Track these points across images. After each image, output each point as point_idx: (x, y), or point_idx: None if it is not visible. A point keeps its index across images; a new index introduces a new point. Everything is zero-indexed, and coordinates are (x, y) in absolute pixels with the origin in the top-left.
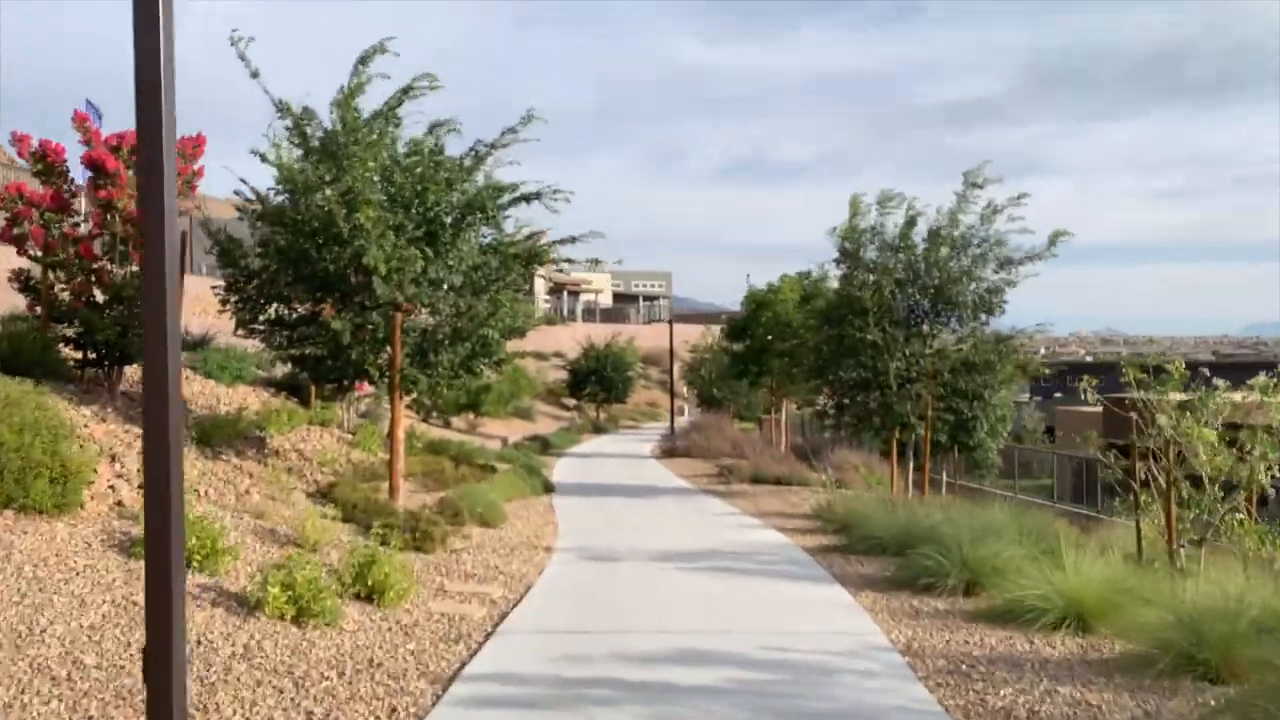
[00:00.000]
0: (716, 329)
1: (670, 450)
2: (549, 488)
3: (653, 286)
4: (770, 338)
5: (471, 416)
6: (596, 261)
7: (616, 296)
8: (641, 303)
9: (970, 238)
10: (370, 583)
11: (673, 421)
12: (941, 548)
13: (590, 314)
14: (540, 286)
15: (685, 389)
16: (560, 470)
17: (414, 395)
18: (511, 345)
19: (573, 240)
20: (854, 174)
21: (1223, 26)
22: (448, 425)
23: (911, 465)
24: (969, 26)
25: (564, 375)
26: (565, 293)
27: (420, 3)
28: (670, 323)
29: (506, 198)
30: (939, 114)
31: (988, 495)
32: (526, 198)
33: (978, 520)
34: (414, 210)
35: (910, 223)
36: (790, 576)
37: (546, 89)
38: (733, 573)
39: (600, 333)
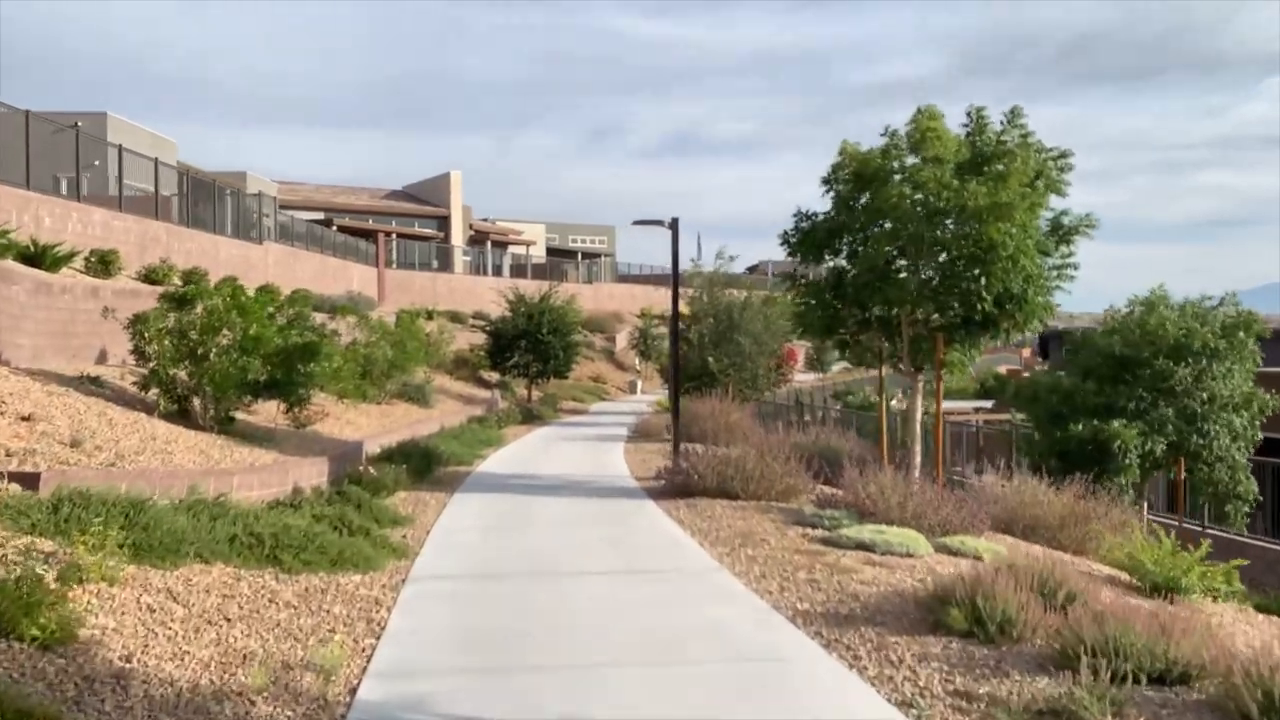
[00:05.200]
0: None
1: (684, 479)
2: None
3: (593, 242)
4: (898, 247)
5: (285, 408)
6: None
7: (551, 251)
8: (580, 260)
9: None
10: None
11: (676, 414)
12: None
13: (520, 270)
14: (458, 234)
15: (638, 360)
16: (418, 588)
17: None
18: (410, 298)
19: None
20: (789, 149)
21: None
22: (227, 425)
23: None
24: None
25: (483, 339)
26: (490, 243)
27: None
28: (675, 267)
29: None
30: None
31: None
32: None
33: None
34: None
35: None
36: None
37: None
38: None
39: (532, 289)
